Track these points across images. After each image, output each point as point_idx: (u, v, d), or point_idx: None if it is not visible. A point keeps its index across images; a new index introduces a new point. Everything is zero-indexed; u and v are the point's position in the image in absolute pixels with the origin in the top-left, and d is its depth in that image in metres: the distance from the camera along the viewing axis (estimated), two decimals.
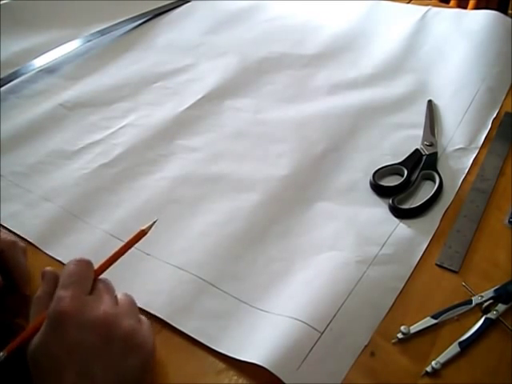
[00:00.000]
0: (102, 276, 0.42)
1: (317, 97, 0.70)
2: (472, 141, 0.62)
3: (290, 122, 0.66)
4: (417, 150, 0.60)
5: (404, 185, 0.56)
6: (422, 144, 0.61)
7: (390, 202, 0.54)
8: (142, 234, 0.43)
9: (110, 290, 0.41)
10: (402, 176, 0.57)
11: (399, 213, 0.53)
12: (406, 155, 0.59)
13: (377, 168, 0.58)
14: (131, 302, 0.41)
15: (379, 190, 0.56)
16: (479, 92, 0.68)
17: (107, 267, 0.42)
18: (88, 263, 0.41)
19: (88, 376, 0.36)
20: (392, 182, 0.57)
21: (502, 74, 0.72)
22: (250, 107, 0.69)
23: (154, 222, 0.44)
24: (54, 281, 0.40)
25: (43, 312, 0.38)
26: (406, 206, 0.54)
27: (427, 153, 0.59)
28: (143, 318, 0.42)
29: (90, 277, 0.40)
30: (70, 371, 0.35)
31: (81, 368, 0.36)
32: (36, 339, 0.37)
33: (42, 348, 0.36)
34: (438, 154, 0.60)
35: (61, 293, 0.38)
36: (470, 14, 0.84)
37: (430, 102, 0.68)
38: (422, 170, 0.57)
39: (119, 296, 0.41)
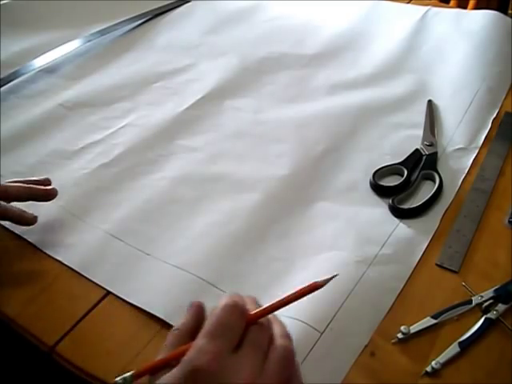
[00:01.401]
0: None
1: (317, 97, 0.70)
2: (472, 141, 0.62)
3: (290, 122, 0.66)
4: (417, 149, 0.60)
5: (404, 185, 0.56)
6: (422, 144, 0.61)
7: (390, 201, 0.54)
8: (315, 287, 0.37)
9: (261, 344, 0.34)
10: (402, 176, 0.57)
11: (399, 213, 0.53)
12: (406, 155, 0.59)
13: (377, 168, 0.58)
14: (284, 357, 0.34)
15: (379, 189, 0.56)
16: (479, 92, 0.68)
17: (263, 316, 0.35)
18: (242, 313, 0.35)
19: None
20: (392, 182, 0.57)
21: (501, 73, 0.72)
22: (250, 107, 0.69)
23: (332, 277, 0.37)
24: (199, 316, 0.37)
25: (181, 347, 0.34)
26: (406, 206, 0.54)
27: (427, 153, 0.59)
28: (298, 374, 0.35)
29: (240, 329, 0.34)
30: None
31: None
32: (165, 378, 0.33)
33: None
34: (438, 154, 0.60)
35: (205, 344, 0.32)
36: (469, 14, 0.84)
37: (429, 101, 0.68)
38: (421, 169, 0.57)
39: (276, 344, 0.34)
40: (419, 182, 0.56)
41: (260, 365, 0.33)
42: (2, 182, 0.51)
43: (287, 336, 0.35)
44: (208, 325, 0.34)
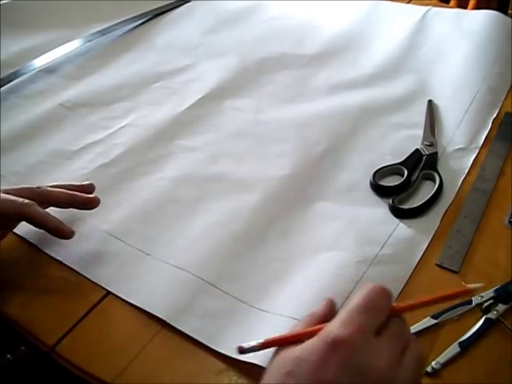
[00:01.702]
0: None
1: (317, 97, 0.70)
2: (472, 141, 0.62)
3: (289, 122, 0.65)
4: (417, 149, 0.60)
5: (404, 185, 0.56)
6: (422, 144, 0.61)
7: (390, 201, 0.54)
8: (465, 292, 0.36)
9: (401, 337, 0.33)
10: (402, 176, 0.57)
11: (399, 213, 0.53)
12: (406, 155, 0.59)
13: (377, 168, 0.57)
14: (420, 359, 0.33)
15: (379, 189, 0.56)
16: (479, 92, 0.68)
17: (406, 310, 0.35)
18: (390, 298, 0.34)
19: None
20: (392, 182, 0.57)
21: (502, 74, 0.72)
22: (250, 107, 0.69)
23: (480, 285, 0.36)
24: (331, 310, 0.36)
25: (315, 326, 0.33)
26: (406, 206, 0.54)
27: (427, 153, 0.59)
28: None
29: (385, 313, 0.33)
30: None
31: None
32: (304, 346, 0.32)
33: (295, 361, 0.31)
34: (438, 154, 0.60)
35: (350, 318, 0.32)
36: (470, 14, 0.84)
37: (430, 102, 0.68)
38: (422, 169, 0.57)
39: (410, 348, 0.33)
40: (419, 182, 0.56)
41: (398, 358, 0.32)
42: (43, 187, 0.51)
43: (419, 341, 0.34)
44: (355, 300, 0.33)
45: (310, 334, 0.33)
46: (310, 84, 0.73)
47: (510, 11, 1.39)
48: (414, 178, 0.57)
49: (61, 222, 0.49)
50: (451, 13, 0.85)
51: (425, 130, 0.63)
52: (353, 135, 0.63)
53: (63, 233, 0.49)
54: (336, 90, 0.71)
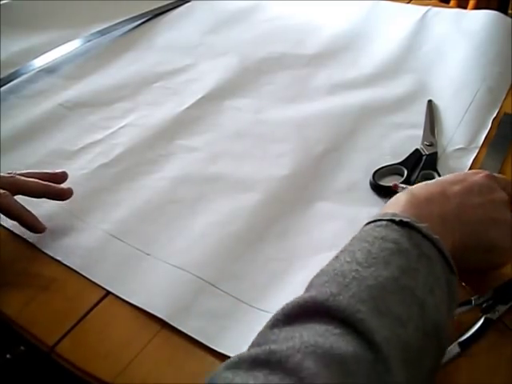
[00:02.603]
0: None
1: (317, 97, 0.70)
2: (472, 141, 0.62)
3: (290, 121, 0.65)
4: (417, 149, 0.60)
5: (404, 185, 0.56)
6: (422, 144, 0.61)
7: None
8: None
9: None
10: (402, 176, 0.57)
11: None
12: (406, 155, 0.59)
13: (377, 168, 0.57)
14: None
15: (379, 189, 0.56)
16: (479, 92, 0.68)
17: None
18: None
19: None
20: (392, 181, 0.57)
21: (502, 74, 0.72)
22: (250, 107, 0.69)
23: None
24: None
25: None
26: None
27: (427, 153, 0.59)
28: None
29: None
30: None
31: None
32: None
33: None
34: (438, 154, 0.60)
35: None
36: (470, 14, 0.84)
37: (429, 102, 0.68)
38: (421, 169, 0.57)
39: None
40: (419, 182, 0.56)
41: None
42: (17, 175, 0.52)
43: None
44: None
45: None
46: (310, 84, 0.73)
47: (510, 11, 1.39)
48: (413, 178, 0.57)
49: (34, 216, 0.51)
50: (451, 13, 0.85)
51: (424, 130, 0.63)
52: (353, 135, 0.63)
53: (36, 229, 0.51)
54: (336, 90, 0.71)
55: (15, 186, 0.51)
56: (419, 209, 0.40)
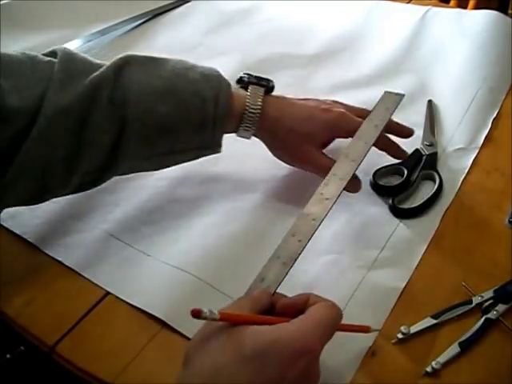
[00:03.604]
0: None
1: (317, 97, 0.70)
2: (472, 141, 0.62)
3: None
4: (417, 149, 0.60)
5: (404, 185, 0.56)
6: (422, 144, 0.61)
7: (390, 201, 0.54)
8: (365, 329, 0.41)
9: None
10: (402, 176, 0.57)
11: (399, 213, 0.53)
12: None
13: (377, 168, 0.57)
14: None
15: (379, 189, 0.56)
16: (479, 92, 0.68)
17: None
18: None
19: None
20: (392, 181, 0.57)
21: (502, 74, 0.72)
22: None
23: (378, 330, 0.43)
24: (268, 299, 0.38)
25: (277, 318, 0.36)
26: (406, 206, 0.54)
27: (427, 153, 0.59)
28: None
29: None
30: None
31: None
32: (272, 332, 0.33)
33: (271, 345, 0.33)
34: (438, 154, 0.60)
35: (326, 331, 0.35)
36: (470, 14, 0.84)
37: (430, 102, 0.68)
38: (422, 169, 0.57)
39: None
40: (419, 182, 0.56)
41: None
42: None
43: None
44: (329, 315, 0.36)
45: (269, 322, 0.35)
46: (310, 84, 0.73)
47: (510, 11, 1.39)
48: (413, 177, 0.57)
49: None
50: (451, 13, 0.85)
51: (424, 130, 0.63)
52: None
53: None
54: (336, 90, 0.71)
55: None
56: None
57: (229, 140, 0.63)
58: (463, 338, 0.42)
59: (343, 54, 0.79)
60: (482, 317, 0.44)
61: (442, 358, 0.41)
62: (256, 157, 0.61)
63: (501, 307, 0.44)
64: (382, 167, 0.58)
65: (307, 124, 0.53)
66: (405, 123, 0.65)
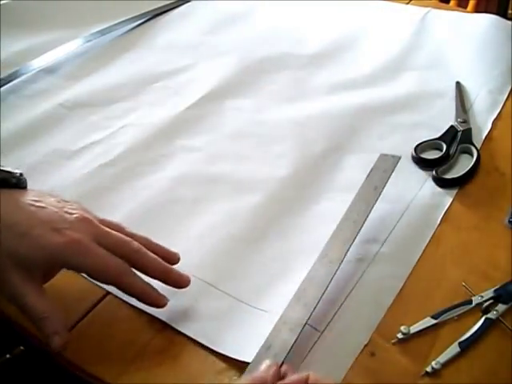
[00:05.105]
0: None
1: (317, 97, 0.70)
2: None
3: (290, 122, 0.65)
4: (452, 126, 0.63)
5: (444, 157, 0.59)
6: (456, 121, 0.63)
7: (434, 172, 0.57)
8: None
9: None
10: (441, 150, 0.60)
11: (443, 182, 0.56)
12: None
13: (418, 142, 0.60)
14: None
15: (422, 162, 0.59)
16: (479, 95, 0.68)
17: None
18: None
19: None
20: (432, 155, 0.60)
21: (502, 76, 0.72)
22: (250, 107, 0.69)
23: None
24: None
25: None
26: (449, 176, 0.57)
27: (462, 129, 0.62)
28: None
29: None
30: None
31: None
32: None
33: None
34: None
35: None
36: (469, 17, 0.84)
37: (458, 83, 0.70)
38: (459, 144, 0.60)
39: None
40: (458, 155, 0.59)
41: None
42: (138, 245, 0.44)
43: None
44: None
45: None
46: (310, 84, 0.73)
47: (510, 11, 1.39)
48: (452, 151, 0.60)
49: (156, 290, 0.44)
50: (451, 15, 0.85)
51: (457, 109, 0.66)
52: (352, 135, 0.63)
53: (159, 304, 0.44)
54: (336, 90, 0.71)
55: (135, 261, 0.43)
56: None
57: (229, 140, 0.64)
58: (463, 337, 0.42)
59: (343, 54, 0.79)
60: (481, 317, 0.44)
61: (442, 358, 0.41)
62: (256, 157, 0.61)
63: (501, 307, 0.44)
64: (422, 142, 0.60)
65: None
66: (404, 123, 0.65)
